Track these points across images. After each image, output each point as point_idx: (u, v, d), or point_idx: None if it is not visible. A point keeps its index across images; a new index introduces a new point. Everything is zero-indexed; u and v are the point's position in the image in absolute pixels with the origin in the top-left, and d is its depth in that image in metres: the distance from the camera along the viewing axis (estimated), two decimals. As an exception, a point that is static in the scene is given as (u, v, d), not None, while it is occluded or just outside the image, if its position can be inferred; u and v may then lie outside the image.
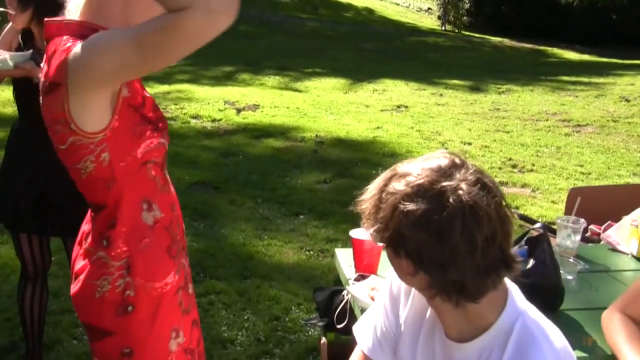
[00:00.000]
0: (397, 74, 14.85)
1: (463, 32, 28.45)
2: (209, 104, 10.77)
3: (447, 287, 1.48)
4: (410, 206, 1.43)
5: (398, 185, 1.48)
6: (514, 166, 7.94)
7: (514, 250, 2.34)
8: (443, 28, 29.01)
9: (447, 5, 29.68)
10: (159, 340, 1.97)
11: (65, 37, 1.80)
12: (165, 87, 12.33)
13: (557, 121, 10.51)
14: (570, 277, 2.59)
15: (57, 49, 1.79)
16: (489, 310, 1.56)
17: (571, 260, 2.67)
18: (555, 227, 2.90)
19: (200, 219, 5.90)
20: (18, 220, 3.39)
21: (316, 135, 8.86)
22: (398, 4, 35.83)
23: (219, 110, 10.34)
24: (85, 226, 2.05)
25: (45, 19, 1.92)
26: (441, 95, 12.62)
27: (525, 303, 1.63)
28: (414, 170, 1.49)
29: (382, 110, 10.83)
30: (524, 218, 3.13)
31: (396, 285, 1.80)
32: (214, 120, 9.70)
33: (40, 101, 1.85)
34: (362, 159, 7.92)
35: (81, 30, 1.81)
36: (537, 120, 10.51)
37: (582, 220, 2.82)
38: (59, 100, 1.75)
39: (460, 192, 1.43)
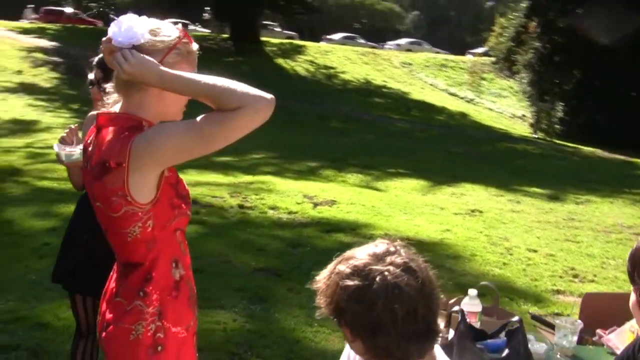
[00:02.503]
0: (480, 179, 15.07)
1: (555, 140, 28.45)
2: (288, 196, 11.21)
3: (377, 352, 1.79)
4: (347, 282, 1.76)
5: (341, 267, 1.82)
6: (575, 276, 8.01)
7: (494, 340, 2.59)
8: (535, 135, 29.08)
9: (540, 113, 29.76)
10: None
11: (116, 127, 2.25)
12: (249, 178, 12.88)
13: (630, 234, 10.51)
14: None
15: (112, 137, 2.23)
16: None
17: (558, 356, 2.87)
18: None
19: (258, 302, 6.23)
20: (75, 283, 3.81)
21: (385, 234, 9.13)
22: (492, 110, 36.16)
23: (297, 203, 10.75)
24: (112, 284, 2.43)
25: (97, 112, 2.37)
26: (518, 202, 12.76)
27: None
28: (356, 254, 1.83)
29: (455, 214, 11.05)
30: (536, 318, 3.34)
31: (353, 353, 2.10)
32: (290, 213, 10.10)
33: (93, 178, 2.31)
34: (426, 260, 8.11)
35: (130, 122, 2.29)
36: (609, 232, 10.53)
37: (579, 321, 3.02)
38: (120, 177, 2.20)
39: (386, 273, 1.76)
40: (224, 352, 5.14)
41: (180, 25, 2.46)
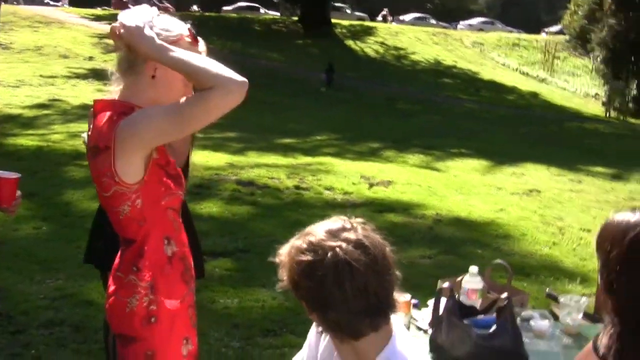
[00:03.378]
0: (543, 159, 14.88)
1: (629, 119, 27.79)
2: (345, 177, 11.27)
3: (329, 325, 1.84)
4: (301, 257, 1.82)
5: (298, 242, 1.87)
6: (627, 256, 7.88)
7: (483, 317, 2.62)
8: (607, 115, 28.44)
9: (613, 91, 29.06)
10: (174, 345, 2.51)
11: (109, 113, 2.37)
12: (308, 159, 12.98)
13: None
14: (556, 349, 2.80)
15: (103, 122, 2.36)
16: (372, 349, 1.88)
17: (558, 333, 2.88)
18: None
19: (299, 282, 6.32)
20: (105, 261, 3.95)
21: (437, 214, 9.14)
22: (565, 89, 35.42)
23: (353, 183, 10.81)
24: (117, 259, 2.56)
25: (95, 99, 2.50)
26: (579, 181, 12.57)
27: (406, 348, 1.93)
28: (314, 230, 1.88)
29: (512, 194, 10.95)
30: (552, 297, 3.33)
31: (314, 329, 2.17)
32: (345, 193, 10.17)
33: (89, 160, 2.46)
34: (473, 238, 8.13)
35: (122, 108, 2.42)
36: (671, 213, 10.28)
37: (584, 299, 3.01)
38: (107, 159, 2.34)
39: (337, 249, 1.81)
40: (258, 329, 5.26)
41: (189, 26, 2.54)
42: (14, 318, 5.25)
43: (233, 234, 7.72)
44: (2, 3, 30.16)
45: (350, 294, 1.81)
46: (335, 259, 1.81)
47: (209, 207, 8.86)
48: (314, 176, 11.19)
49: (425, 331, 2.86)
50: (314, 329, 2.22)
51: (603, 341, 1.82)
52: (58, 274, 6.15)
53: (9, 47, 26.35)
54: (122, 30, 2.35)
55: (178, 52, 2.34)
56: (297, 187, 10.35)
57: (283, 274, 1.92)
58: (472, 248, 7.57)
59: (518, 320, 2.92)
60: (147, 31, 2.34)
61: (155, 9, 2.53)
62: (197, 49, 2.53)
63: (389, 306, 1.89)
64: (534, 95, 32.08)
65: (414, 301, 3.21)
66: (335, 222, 1.93)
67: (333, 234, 1.87)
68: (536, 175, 12.97)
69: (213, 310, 5.55)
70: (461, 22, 59.28)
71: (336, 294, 1.81)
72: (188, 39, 2.49)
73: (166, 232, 2.51)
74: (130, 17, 2.38)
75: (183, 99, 2.33)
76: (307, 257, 1.84)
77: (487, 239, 8.13)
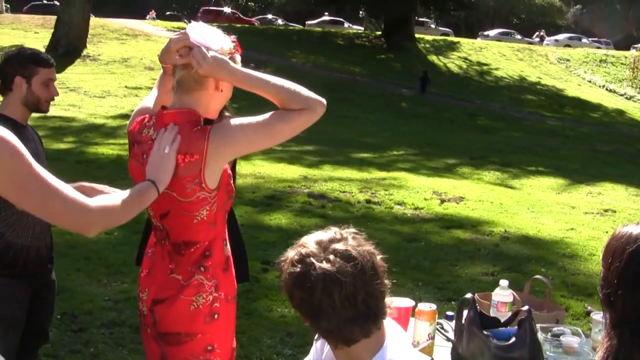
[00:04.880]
0: (623, 178, 14.61)
1: None
2: (417, 192, 11.35)
3: (322, 333, 1.97)
4: (292, 269, 1.95)
5: (291, 253, 2.00)
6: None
7: (504, 328, 2.70)
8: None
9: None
10: (229, 338, 2.77)
11: (182, 122, 2.59)
12: (382, 174, 13.09)
13: None
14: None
15: (182, 131, 2.57)
16: (364, 353, 2.00)
17: (586, 349, 2.93)
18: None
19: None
20: None
21: (505, 231, 9.12)
22: (654, 107, 34.49)
23: (425, 199, 10.88)
24: (157, 263, 2.75)
25: (162, 110, 2.66)
26: (659, 202, 12.31)
27: (400, 353, 2.03)
28: (305, 241, 2.00)
29: (586, 213, 10.82)
30: (589, 313, 3.38)
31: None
32: (415, 209, 10.24)
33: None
34: (539, 256, 8.10)
35: (189, 117, 2.61)
36: None
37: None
38: (195, 166, 2.53)
39: (324, 262, 1.92)
40: (311, 338, 5.36)
41: (234, 37, 2.71)
42: (78, 317, 5.54)
43: (299, 246, 7.87)
44: (92, 16, 31.22)
45: (339, 304, 1.91)
46: (322, 271, 1.90)
47: (279, 219, 9.06)
48: (386, 191, 11.30)
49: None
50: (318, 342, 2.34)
51: (599, 354, 1.86)
52: (124, 278, 6.44)
53: (97, 59, 27.24)
54: (202, 64, 2.51)
55: (260, 77, 2.57)
56: (368, 201, 10.48)
57: (282, 283, 2.05)
58: (536, 266, 7.55)
59: (549, 335, 2.99)
60: (230, 64, 2.56)
61: (218, 30, 2.70)
62: (238, 59, 2.67)
63: (379, 313, 1.99)
64: (620, 112, 31.40)
65: (449, 313, 3.31)
66: (326, 232, 2.03)
67: (323, 245, 1.96)
68: (613, 194, 12.75)
69: (269, 318, 5.71)
70: (547, 38, 58.42)
71: (325, 303, 1.91)
72: (235, 50, 2.66)
73: (224, 234, 2.74)
74: (205, 45, 2.55)
75: (270, 115, 2.56)
76: (298, 269, 1.94)
77: (553, 258, 8.09)
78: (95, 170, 10.70)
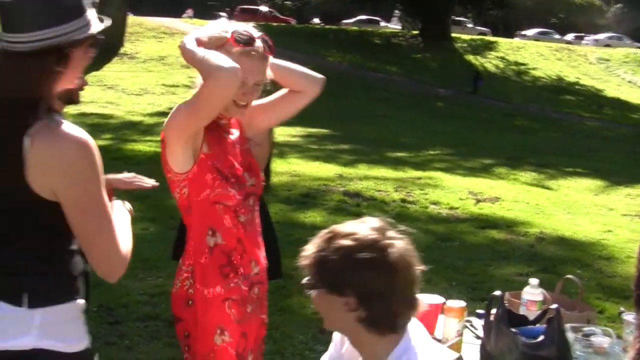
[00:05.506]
0: (664, 180, 14.44)
1: None
2: (452, 192, 11.32)
3: (383, 316, 2.00)
4: (359, 255, 1.97)
5: (345, 242, 2.01)
6: None
7: (533, 326, 2.71)
8: None
9: None
10: (205, 331, 2.70)
11: None
12: (418, 173, 13.07)
13: None
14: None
15: None
16: (384, 349, 2.04)
17: (616, 349, 2.92)
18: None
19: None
20: None
21: (540, 232, 9.07)
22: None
23: (460, 199, 10.85)
24: None
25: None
26: (702, 204, 12.15)
27: (418, 350, 2.06)
28: (355, 230, 2.03)
29: (624, 215, 10.72)
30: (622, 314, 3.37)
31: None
32: (451, 208, 10.22)
33: None
34: (574, 258, 8.05)
35: None
36: None
37: (648, 318, 3.03)
38: (162, 150, 2.69)
39: (396, 246, 1.99)
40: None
41: (260, 34, 2.75)
42: (114, 310, 5.64)
43: (333, 244, 7.90)
44: (130, 14, 31.54)
45: (407, 286, 2.01)
46: (396, 254, 1.99)
47: (313, 217, 9.11)
48: (422, 190, 11.28)
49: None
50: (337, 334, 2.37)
51: (630, 355, 1.87)
52: (159, 272, 6.54)
53: (134, 57, 27.55)
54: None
55: (197, 53, 2.57)
56: (403, 201, 10.47)
57: (317, 274, 2.06)
58: (572, 268, 7.49)
59: (579, 335, 2.99)
60: (188, 43, 2.61)
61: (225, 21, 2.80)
62: (233, 50, 2.66)
63: (417, 301, 2.06)
64: (661, 113, 31.03)
65: (479, 311, 3.32)
66: (368, 221, 2.10)
67: (381, 232, 2.03)
68: (653, 196, 12.61)
69: (302, 315, 5.75)
70: (586, 37, 57.83)
71: (397, 285, 1.99)
72: (235, 44, 2.67)
73: (211, 223, 2.71)
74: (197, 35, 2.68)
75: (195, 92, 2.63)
76: (368, 255, 1.97)
77: (589, 260, 8.03)
78: (132, 167, 10.71)
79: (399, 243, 2.02)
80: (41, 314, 2.14)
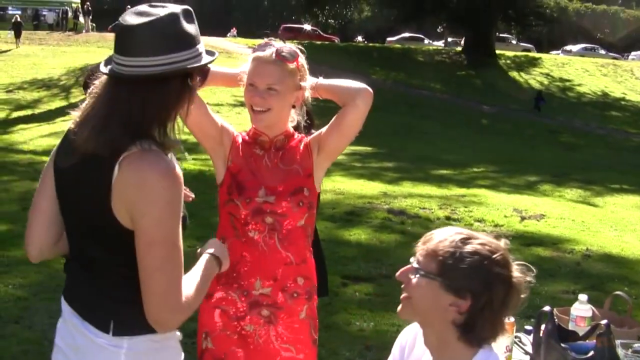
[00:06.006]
0: None
1: None
2: (497, 209, 11.27)
3: (483, 328, 2.04)
4: (495, 267, 2.01)
5: (481, 249, 2.03)
6: None
7: (583, 342, 2.72)
8: None
9: None
10: (199, 334, 2.89)
11: None
12: (462, 190, 13.04)
13: None
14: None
15: None
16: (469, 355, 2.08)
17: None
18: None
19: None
20: None
21: (587, 249, 9.00)
22: None
23: (505, 216, 10.80)
24: None
25: None
26: None
27: None
28: (490, 241, 2.07)
29: (671, 232, 10.59)
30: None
31: (404, 340, 2.35)
32: (495, 225, 10.18)
33: None
34: (621, 275, 7.97)
35: None
36: None
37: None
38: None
39: (518, 269, 2.06)
40: (390, 351, 5.44)
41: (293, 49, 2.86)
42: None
43: (378, 261, 7.95)
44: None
45: (509, 308, 2.07)
46: (518, 277, 2.06)
47: (358, 234, 9.14)
48: (466, 207, 11.27)
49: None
50: (398, 344, 2.40)
51: None
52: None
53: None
54: None
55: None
56: (447, 218, 10.47)
57: (442, 266, 2.04)
58: (619, 285, 7.41)
59: (629, 351, 2.99)
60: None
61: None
62: (258, 53, 2.83)
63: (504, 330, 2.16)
64: None
65: (527, 327, 3.34)
66: (487, 234, 2.14)
67: (509, 252, 2.10)
68: (702, 213, 12.42)
69: (348, 332, 5.79)
70: (633, 53, 57.17)
71: (512, 290, 2.04)
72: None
73: (224, 233, 2.86)
74: None
75: None
76: (499, 268, 2.02)
77: (636, 277, 7.96)
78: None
79: (518, 267, 2.08)
80: (127, 341, 2.14)
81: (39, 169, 12.88)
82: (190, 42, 2.11)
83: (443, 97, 32.11)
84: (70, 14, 48.16)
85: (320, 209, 9.85)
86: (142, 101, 2.06)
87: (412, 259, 2.12)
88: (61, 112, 21.10)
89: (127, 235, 2.05)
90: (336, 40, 53.03)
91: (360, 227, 9.58)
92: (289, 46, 2.84)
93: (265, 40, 2.85)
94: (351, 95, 2.87)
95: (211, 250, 2.34)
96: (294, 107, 2.89)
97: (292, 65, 2.78)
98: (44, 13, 50.66)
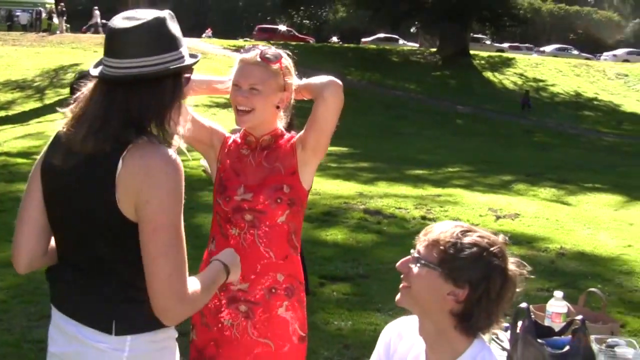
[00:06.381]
0: (684, 195, 14.39)
1: None
2: (472, 209, 11.36)
3: (479, 318, 2.10)
4: (493, 259, 2.08)
5: (481, 241, 2.10)
6: None
7: (559, 338, 2.78)
8: None
9: None
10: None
11: None
12: (438, 190, 13.12)
13: None
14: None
15: None
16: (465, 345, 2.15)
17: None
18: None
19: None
20: None
21: (561, 247, 9.10)
22: None
23: (480, 215, 10.89)
24: None
25: None
26: None
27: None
28: (489, 235, 2.15)
29: (645, 230, 10.72)
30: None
31: (388, 337, 2.39)
32: (471, 225, 10.23)
33: None
34: (595, 273, 8.07)
35: None
36: None
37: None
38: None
39: (514, 263, 2.16)
40: (369, 350, 5.43)
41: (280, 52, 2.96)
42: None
43: (355, 260, 8.00)
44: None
45: (505, 300, 2.15)
46: (515, 270, 2.18)
47: (335, 234, 9.19)
48: (442, 207, 11.34)
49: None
50: (382, 341, 2.44)
51: None
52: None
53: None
54: None
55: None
56: (423, 218, 10.53)
57: (443, 257, 2.10)
58: (593, 283, 7.52)
59: (603, 346, 3.05)
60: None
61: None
62: (242, 54, 2.93)
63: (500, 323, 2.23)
64: (683, 127, 30.92)
65: (505, 324, 3.39)
66: (500, 235, 2.21)
67: (506, 246, 2.18)
68: (674, 211, 12.59)
69: (326, 331, 5.83)
70: (605, 53, 57.76)
71: (510, 290, 2.14)
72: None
73: (213, 232, 2.99)
74: None
75: None
76: (497, 260, 2.09)
77: (609, 274, 8.06)
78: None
79: (514, 262, 2.17)
80: (129, 343, 2.16)
81: (13, 170, 12.88)
82: (177, 43, 2.21)
83: (418, 97, 32.27)
84: (44, 14, 47.74)
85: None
86: (139, 101, 2.14)
87: (412, 250, 2.19)
88: (35, 113, 20.99)
89: (131, 229, 2.11)
90: (311, 41, 53.10)
91: (337, 227, 9.62)
92: (274, 49, 2.91)
93: (253, 44, 2.97)
94: (319, 89, 2.90)
95: (222, 258, 2.41)
96: (278, 107, 2.92)
97: (275, 67, 2.84)
98: (17, 13, 50.16)
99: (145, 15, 2.18)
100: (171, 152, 2.15)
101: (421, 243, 2.17)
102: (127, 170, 2.07)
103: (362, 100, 27.09)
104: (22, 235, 2.31)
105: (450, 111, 30.01)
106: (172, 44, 2.19)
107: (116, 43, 2.16)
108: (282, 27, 58.19)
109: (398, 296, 2.20)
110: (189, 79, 2.30)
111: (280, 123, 3.00)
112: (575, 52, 57.43)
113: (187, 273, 2.13)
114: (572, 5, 73.20)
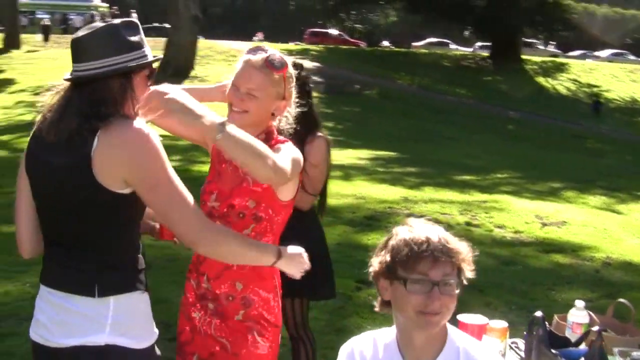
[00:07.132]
0: None
1: None
2: (518, 216, 11.21)
3: None
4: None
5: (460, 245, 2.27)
6: None
7: (574, 349, 2.73)
8: None
9: None
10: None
11: None
12: (484, 196, 12.97)
13: None
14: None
15: None
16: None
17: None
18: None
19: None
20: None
21: (607, 257, 8.94)
22: None
23: (526, 223, 10.75)
24: None
25: None
26: None
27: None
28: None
29: (695, 240, 10.48)
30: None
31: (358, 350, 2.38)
32: (516, 232, 10.13)
33: None
34: (641, 283, 7.93)
35: None
36: None
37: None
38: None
39: None
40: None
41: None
42: (172, 327, 5.75)
43: (394, 266, 7.93)
44: (201, 38, 32.16)
45: None
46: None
47: (376, 239, 9.12)
48: (487, 214, 11.22)
49: None
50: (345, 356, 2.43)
51: None
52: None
53: (204, 80, 28.01)
54: None
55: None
56: (467, 224, 10.43)
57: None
58: (637, 293, 7.37)
59: (627, 359, 2.99)
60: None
61: None
62: (247, 56, 2.95)
63: None
64: None
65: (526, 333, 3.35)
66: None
67: None
68: None
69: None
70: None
71: None
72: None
73: None
74: None
75: None
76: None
77: (654, 285, 7.90)
78: (198, 187, 11.06)
79: None
80: (113, 305, 2.37)
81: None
82: (129, 47, 2.42)
83: (469, 102, 32.02)
84: (97, 18, 48.60)
85: (340, 213, 9.96)
86: (87, 98, 2.36)
87: None
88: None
89: (117, 199, 2.33)
90: (362, 45, 53.05)
91: (379, 231, 9.57)
92: (280, 55, 2.89)
93: (259, 45, 2.91)
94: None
95: (284, 248, 2.64)
96: (273, 115, 2.90)
97: (277, 75, 2.83)
98: (71, 17, 51.22)
99: (100, 24, 2.45)
100: (138, 121, 2.35)
101: None
102: (104, 146, 2.27)
103: (412, 105, 27.00)
104: (21, 227, 2.59)
105: (502, 116, 29.70)
106: (124, 47, 2.40)
107: (74, 49, 2.45)
108: (334, 31, 58.23)
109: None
110: (150, 75, 2.52)
111: (287, 123, 2.99)
112: (632, 57, 56.41)
113: (197, 207, 2.38)
114: (628, 9, 71.91)
